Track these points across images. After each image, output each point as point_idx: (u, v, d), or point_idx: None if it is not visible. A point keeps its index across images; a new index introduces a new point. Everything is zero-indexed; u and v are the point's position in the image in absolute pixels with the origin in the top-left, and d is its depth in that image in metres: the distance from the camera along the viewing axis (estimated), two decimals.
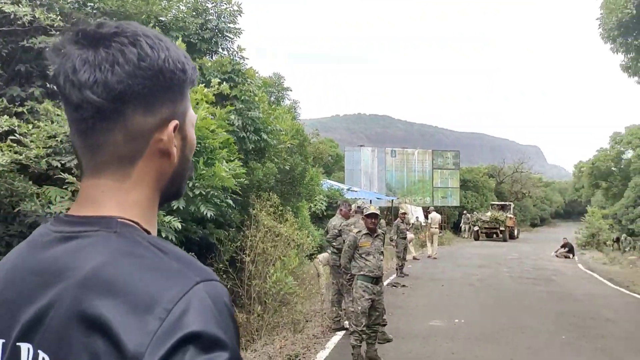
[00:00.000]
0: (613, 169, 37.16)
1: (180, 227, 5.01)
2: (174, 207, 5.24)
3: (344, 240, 7.72)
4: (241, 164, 7.03)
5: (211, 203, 5.61)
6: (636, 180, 28.77)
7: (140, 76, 0.79)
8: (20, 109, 5.68)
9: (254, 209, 8.88)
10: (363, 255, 6.23)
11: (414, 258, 18.13)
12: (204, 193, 5.44)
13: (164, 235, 5.03)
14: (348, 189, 22.70)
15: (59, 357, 0.73)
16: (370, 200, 8.77)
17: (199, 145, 5.54)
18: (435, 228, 20.24)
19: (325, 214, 15.60)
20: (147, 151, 0.83)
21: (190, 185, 5.46)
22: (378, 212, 6.51)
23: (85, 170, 0.85)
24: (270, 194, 9.36)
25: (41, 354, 0.75)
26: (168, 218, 5.05)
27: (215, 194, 5.48)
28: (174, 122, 0.84)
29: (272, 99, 13.61)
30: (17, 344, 0.77)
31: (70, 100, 0.79)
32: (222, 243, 9.11)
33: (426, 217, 23.14)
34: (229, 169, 6.11)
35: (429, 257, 19.39)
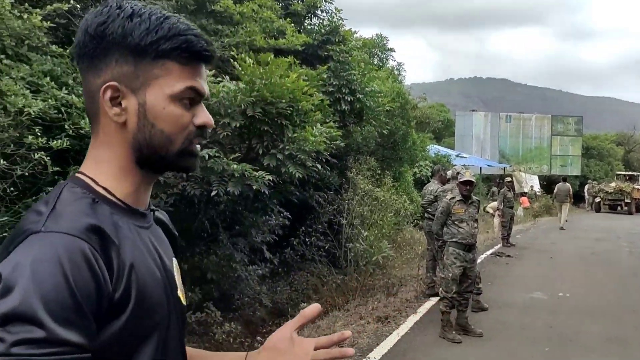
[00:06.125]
0: None
1: (270, 178, 5.31)
2: (265, 165, 5.47)
3: None
4: (337, 126, 7.07)
5: (301, 165, 5.73)
6: None
7: (86, 41, 0.89)
8: None
9: (351, 173, 8.93)
10: (456, 222, 6.06)
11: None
12: (294, 154, 5.56)
13: (255, 187, 5.30)
14: (457, 155, 22.06)
15: None
16: (464, 165, 8.35)
17: (290, 109, 5.63)
18: (566, 197, 18.70)
19: (430, 180, 15.29)
20: (101, 111, 0.91)
21: (281, 147, 5.61)
22: (474, 179, 6.27)
23: None
24: (368, 157, 9.35)
25: None
26: (260, 173, 5.27)
27: (302, 157, 5.57)
28: (106, 84, 0.89)
29: (374, 61, 13.43)
30: None
31: None
32: (321, 205, 9.31)
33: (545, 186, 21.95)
34: (323, 132, 6.17)
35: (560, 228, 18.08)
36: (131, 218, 0.91)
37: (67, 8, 5.24)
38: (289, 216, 8.12)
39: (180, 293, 1.00)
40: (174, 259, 1.03)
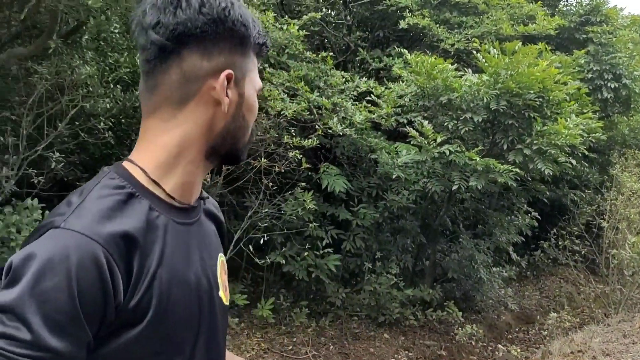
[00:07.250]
0: None
1: (517, 171, 5.11)
2: (510, 160, 5.15)
3: None
4: (596, 117, 6.32)
5: (551, 161, 5.23)
6: None
7: (201, 21, 0.83)
8: (379, 65, 6.34)
9: (615, 169, 7.90)
10: None
11: None
12: (543, 148, 5.10)
13: (500, 180, 5.11)
14: None
15: None
16: None
17: (539, 99, 5.19)
18: None
19: None
20: (198, 96, 0.86)
21: (528, 142, 5.20)
22: None
23: (143, 112, 0.90)
24: (637, 151, 8.14)
25: None
26: (505, 166, 5.00)
27: (554, 152, 5.07)
28: (227, 71, 0.86)
29: None
30: None
31: (139, 43, 0.86)
32: (577, 205, 8.47)
33: None
34: (579, 124, 5.55)
35: None
36: (174, 214, 0.87)
37: (320, 16, 5.68)
38: (538, 216, 7.55)
39: (222, 293, 0.96)
40: (220, 255, 0.99)
